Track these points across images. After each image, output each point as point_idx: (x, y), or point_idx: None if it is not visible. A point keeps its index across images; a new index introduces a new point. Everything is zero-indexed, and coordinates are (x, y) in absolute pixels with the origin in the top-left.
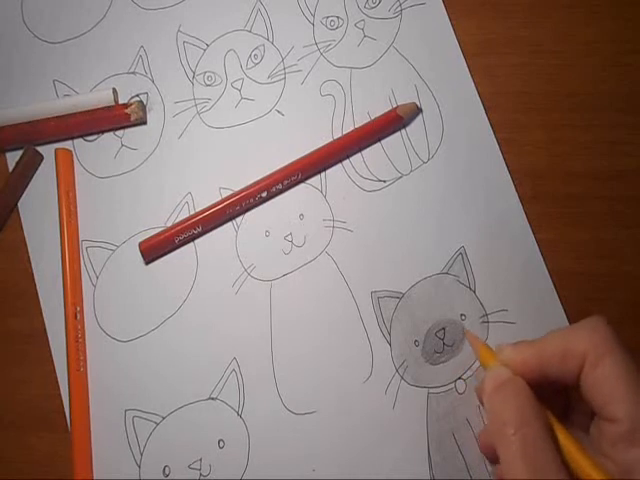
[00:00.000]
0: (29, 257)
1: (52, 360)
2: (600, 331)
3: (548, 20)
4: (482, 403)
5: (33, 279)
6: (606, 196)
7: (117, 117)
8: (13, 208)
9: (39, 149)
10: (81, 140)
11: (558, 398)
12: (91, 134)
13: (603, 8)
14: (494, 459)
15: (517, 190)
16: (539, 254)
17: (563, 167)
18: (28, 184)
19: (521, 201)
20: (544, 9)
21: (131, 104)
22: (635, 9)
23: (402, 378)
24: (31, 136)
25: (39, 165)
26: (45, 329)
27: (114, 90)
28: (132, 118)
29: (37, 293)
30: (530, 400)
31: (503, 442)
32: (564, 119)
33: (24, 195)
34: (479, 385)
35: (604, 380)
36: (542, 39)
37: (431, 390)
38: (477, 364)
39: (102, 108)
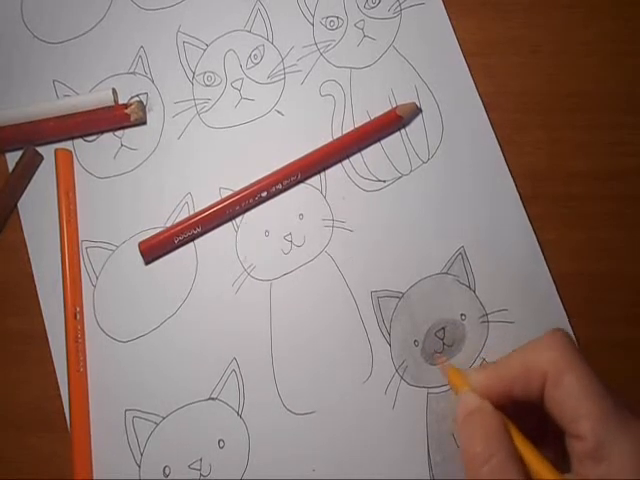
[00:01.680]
0: (29, 257)
1: (52, 360)
2: (560, 347)
3: (548, 20)
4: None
5: (33, 279)
6: (606, 196)
7: (117, 117)
8: (13, 208)
9: (39, 149)
10: (81, 140)
11: (532, 416)
12: (91, 134)
13: (603, 8)
14: None
15: (517, 190)
16: (539, 254)
17: (563, 167)
18: (28, 184)
19: (521, 201)
20: (544, 9)
21: (131, 104)
22: (635, 9)
23: (402, 378)
24: (31, 136)
25: (39, 165)
26: (45, 329)
27: (114, 90)
28: (132, 118)
29: (37, 293)
30: (496, 428)
31: (472, 474)
32: (564, 119)
33: (24, 195)
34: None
35: (566, 397)
36: (542, 39)
37: (431, 390)
38: (477, 364)
39: (102, 108)
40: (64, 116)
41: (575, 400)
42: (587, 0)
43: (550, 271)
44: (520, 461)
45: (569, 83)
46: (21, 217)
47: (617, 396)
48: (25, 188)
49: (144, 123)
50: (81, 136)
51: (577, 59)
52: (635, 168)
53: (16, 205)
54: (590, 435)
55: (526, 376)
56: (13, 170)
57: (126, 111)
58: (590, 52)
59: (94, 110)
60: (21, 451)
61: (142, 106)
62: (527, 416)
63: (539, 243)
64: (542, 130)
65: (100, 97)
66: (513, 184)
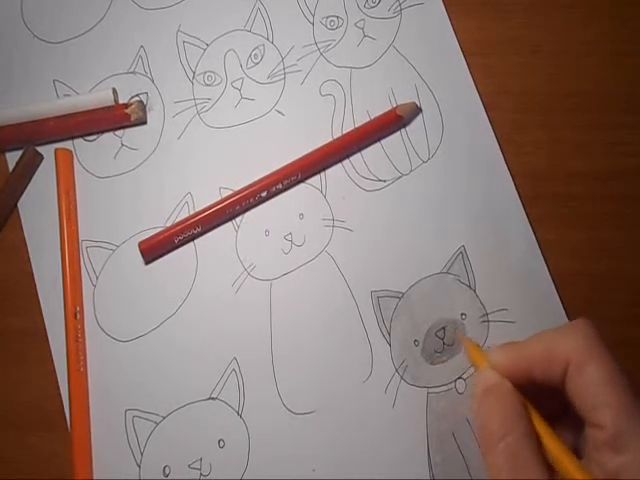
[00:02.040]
0: (29, 257)
1: (52, 360)
2: (585, 335)
3: (548, 20)
4: None
5: (33, 278)
6: (606, 196)
7: (117, 117)
8: (13, 208)
9: (39, 149)
10: (81, 140)
11: (553, 399)
12: (91, 134)
13: (603, 8)
14: None
15: (517, 190)
16: (539, 253)
17: (563, 167)
18: (28, 184)
19: (521, 201)
20: (544, 9)
21: (131, 104)
22: (635, 9)
23: (402, 378)
24: (31, 136)
25: (39, 165)
26: (45, 328)
27: (114, 90)
28: (132, 118)
29: (37, 292)
30: (513, 406)
31: (488, 450)
32: (564, 119)
33: (24, 195)
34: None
35: (588, 386)
36: (542, 39)
37: (431, 390)
38: None
39: (102, 108)
40: (64, 116)
41: (596, 388)
42: (587, 0)
43: (550, 271)
44: (537, 441)
45: (569, 83)
46: (21, 217)
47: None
48: (25, 188)
49: (144, 123)
50: (81, 136)
51: (577, 59)
52: (635, 168)
53: (16, 205)
54: (610, 424)
55: (548, 360)
56: (13, 170)
57: (126, 111)
58: (590, 52)
59: (94, 110)
60: (21, 451)
61: (142, 106)
62: (547, 399)
63: (539, 243)
64: (542, 130)
65: (100, 97)
66: (513, 184)
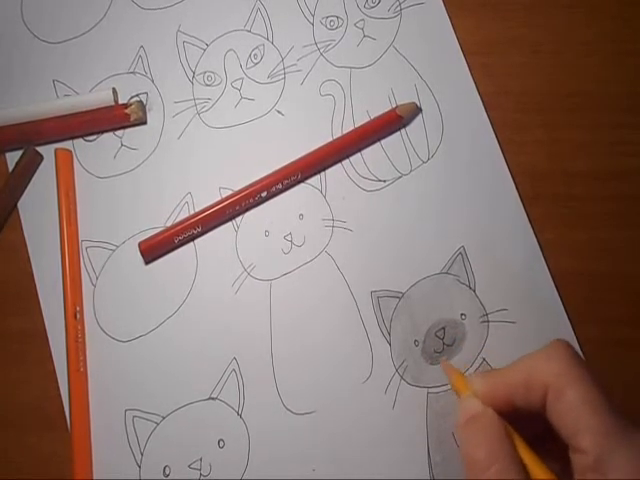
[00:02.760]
0: (29, 257)
1: (52, 360)
2: (561, 360)
3: (548, 20)
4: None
5: (33, 279)
6: (607, 196)
7: (117, 117)
8: (13, 208)
9: (39, 149)
10: (81, 140)
11: (536, 424)
12: (91, 134)
13: (603, 8)
14: None
15: (517, 190)
16: (540, 254)
17: (563, 167)
18: (28, 184)
19: (521, 201)
20: (544, 8)
21: (131, 104)
22: (635, 9)
23: (402, 378)
24: (31, 136)
25: (39, 165)
26: (45, 329)
27: (114, 90)
28: (132, 118)
29: (37, 293)
30: (497, 434)
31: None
32: (564, 119)
33: (24, 195)
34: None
35: (568, 411)
36: (542, 39)
37: (431, 390)
38: (477, 363)
39: (102, 108)
40: (64, 116)
41: (576, 414)
42: (587, 0)
43: (550, 271)
44: (522, 469)
45: (569, 83)
46: (21, 217)
47: (618, 408)
48: (25, 188)
49: (144, 123)
50: (81, 136)
51: (577, 59)
52: (636, 168)
53: (16, 205)
54: (591, 449)
55: (528, 386)
56: (13, 170)
57: (126, 111)
58: (590, 52)
59: (94, 110)
60: (21, 451)
61: (142, 106)
62: (530, 424)
63: (539, 243)
64: (542, 130)
65: (100, 97)
66: (513, 184)
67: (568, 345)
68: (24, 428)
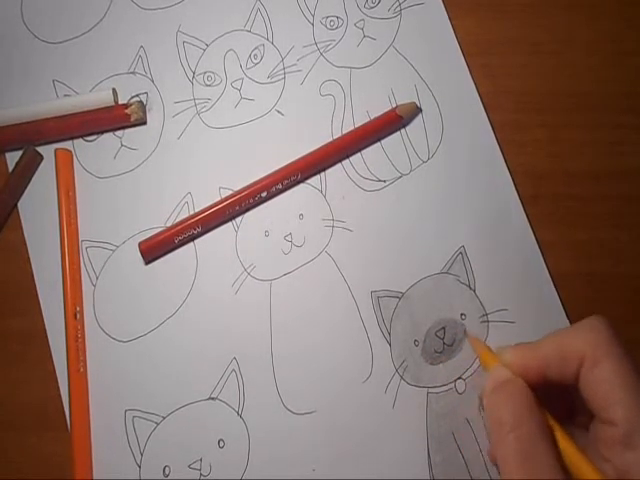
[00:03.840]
0: (29, 257)
1: (52, 360)
2: (599, 332)
3: (548, 20)
4: (483, 406)
5: (33, 279)
6: (607, 196)
7: (117, 117)
8: (13, 208)
9: (39, 149)
10: (81, 140)
11: (562, 399)
12: (91, 134)
13: (603, 8)
14: None
15: (517, 190)
16: (539, 254)
17: (563, 167)
18: (28, 184)
19: (521, 201)
20: (544, 9)
21: (131, 104)
22: (635, 9)
23: (402, 378)
24: (31, 136)
25: (39, 165)
26: (45, 329)
27: (114, 90)
28: (132, 118)
29: (37, 293)
30: (527, 400)
31: (499, 442)
32: (564, 119)
33: (24, 195)
34: (482, 388)
35: (601, 383)
36: (542, 39)
37: (431, 390)
38: (477, 364)
39: (102, 108)
40: (64, 116)
41: (610, 386)
42: (587, 0)
43: (550, 271)
44: (550, 438)
45: (569, 83)
46: (21, 217)
47: None
48: (25, 188)
49: (144, 123)
50: (81, 136)
51: (577, 59)
52: (636, 168)
53: (16, 205)
54: (622, 421)
55: (562, 357)
56: (13, 170)
57: (126, 111)
58: (591, 52)
59: (94, 110)
60: (21, 451)
61: (142, 106)
62: (554, 403)
63: (539, 243)
64: (542, 130)
65: (100, 97)
66: (513, 184)
67: (605, 320)
68: (24, 428)
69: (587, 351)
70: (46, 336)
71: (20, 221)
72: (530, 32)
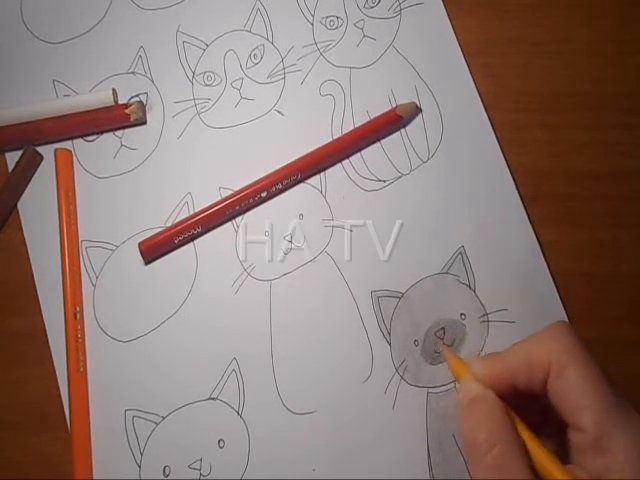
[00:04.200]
0: (29, 258)
1: (52, 360)
2: (563, 339)
3: (548, 20)
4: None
5: (33, 280)
6: (607, 196)
7: (117, 117)
8: (13, 208)
9: (39, 149)
10: (81, 140)
11: (534, 407)
12: (91, 134)
13: (603, 8)
14: None
15: (517, 190)
16: (540, 254)
17: (563, 167)
18: (28, 184)
19: (521, 201)
20: (544, 9)
21: (131, 104)
22: (635, 9)
23: (402, 378)
24: (31, 136)
25: (39, 165)
26: (45, 329)
27: (114, 90)
28: (132, 118)
29: (37, 294)
30: (499, 416)
31: (474, 462)
32: (564, 119)
33: (24, 195)
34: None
35: (568, 389)
36: (542, 39)
37: (431, 390)
38: None
39: (102, 108)
40: (64, 116)
41: (577, 392)
42: (587, 0)
43: (550, 271)
44: (524, 451)
45: (569, 83)
46: (21, 217)
47: (619, 391)
48: (25, 188)
49: (144, 123)
50: (81, 136)
51: (577, 59)
52: (636, 168)
53: (16, 205)
54: (591, 427)
55: (529, 366)
56: (13, 170)
57: (126, 111)
58: (590, 52)
59: (94, 110)
60: (21, 451)
61: (142, 106)
62: (527, 410)
63: (539, 243)
64: (542, 130)
65: (100, 97)
66: (513, 184)
67: (569, 326)
68: (24, 428)
69: (552, 359)
70: (46, 336)
71: (20, 221)
72: (530, 32)
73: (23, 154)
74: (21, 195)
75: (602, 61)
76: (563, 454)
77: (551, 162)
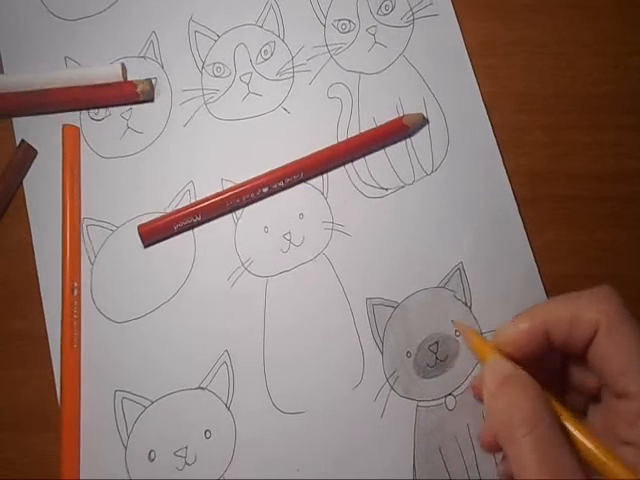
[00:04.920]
0: (30, 258)
1: (52, 361)
2: (612, 301)
3: (551, 21)
4: (480, 399)
5: (34, 280)
6: (608, 197)
7: (125, 90)
8: (8, 204)
9: (47, 118)
10: (88, 118)
11: (553, 379)
12: (98, 107)
13: (605, 10)
14: (498, 451)
15: (517, 192)
16: (538, 280)
17: (564, 168)
18: (23, 179)
19: (520, 204)
20: (547, 10)
21: (139, 80)
22: (637, 10)
23: (392, 388)
24: (39, 103)
25: (33, 160)
26: (46, 330)
27: (123, 65)
28: (138, 89)
29: (37, 293)
30: (538, 397)
31: (513, 443)
32: (566, 120)
33: (29, 172)
34: (477, 381)
35: (617, 350)
36: (545, 40)
37: (420, 403)
38: (469, 381)
39: (110, 83)
40: (72, 87)
41: (626, 354)
42: (589, 2)
43: (550, 272)
44: (566, 434)
45: (571, 84)
46: (25, 193)
47: None
48: (20, 183)
49: (152, 100)
50: (88, 108)
51: (579, 60)
52: (636, 169)
53: (11, 201)
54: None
55: (573, 321)
56: (8, 165)
57: (134, 82)
58: (592, 53)
59: (103, 84)
60: (21, 451)
61: (151, 83)
62: (544, 374)
63: (539, 246)
64: (543, 131)
65: (109, 71)
66: (516, 206)
67: (616, 291)
68: (24, 429)
69: (601, 318)
70: (46, 337)
71: (21, 222)
72: (533, 33)
73: (18, 149)
74: (16, 190)
75: (604, 62)
76: (602, 435)
77: (552, 163)
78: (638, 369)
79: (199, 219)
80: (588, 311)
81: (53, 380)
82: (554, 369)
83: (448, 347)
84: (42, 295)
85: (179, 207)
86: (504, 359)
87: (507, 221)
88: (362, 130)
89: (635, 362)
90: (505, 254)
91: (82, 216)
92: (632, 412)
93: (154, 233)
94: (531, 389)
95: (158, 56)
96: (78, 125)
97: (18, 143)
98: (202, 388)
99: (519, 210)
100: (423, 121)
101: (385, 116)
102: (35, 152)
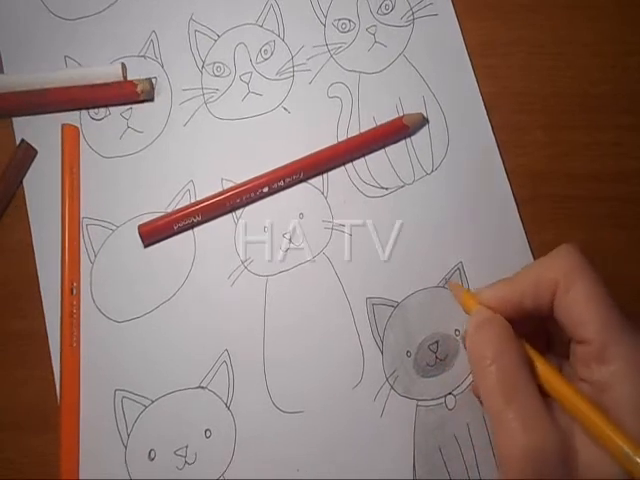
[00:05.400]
0: (30, 258)
1: (52, 361)
2: (570, 258)
3: (549, 21)
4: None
5: (34, 280)
6: (607, 197)
7: (125, 90)
8: (8, 204)
9: (46, 118)
10: (88, 118)
11: (539, 333)
12: (98, 106)
13: (604, 9)
14: None
15: (516, 192)
16: None
17: (564, 168)
18: (22, 179)
19: (520, 204)
20: (546, 9)
21: (139, 80)
22: (636, 10)
23: (392, 387)
24: (36, 104)
25: (33, 159)
26: (46, 330)
27: (123, 65)
28: (138, 89)
29: (37, 294)
30: (506, 333)
31: (481, 375)
32: (565, 120)
33: (29, 172)
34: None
35: (575, 304)
36: (543, 40)
37: (420, 403)
38: (469, 380)
39: (110, 82)
40: (71, 87)
41: (582, 306)
42: (588, 2)
43: None
44: (530, 366)
45: (570, 84)
46: (25, 193)
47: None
48: (20, 183)
49: (152, 100)
50: (87, 107)
51: (578, 60)
52: (636, 169)
53: (11, 201)
54: (595, 337)
55: (537, 286)
56: (7, 165)
57: (134, 81)
58: (591, 53)
59: (103, 83)
60: (21, 451)
61: (151, 82)
62: (534, 335)
63: (538, 245)
64: (542, 131)
65: (109, 70)
66: (516, 207)
67: (575, 246)
68: (25, 429)
69: (560, 277)
70: (46, 337)
71: (22, 223)
72: (531, 33)
73: (18, 148)
74: (16, 190)
75: (603, 62)
76: (565, 375)
77: (551, 163)
78: (592, 318)
79: (199, 219)
80: (549, 273)
81: (53, 380)
82: (539, 328)
83: (448, 346)
84: (42, 295)
85: (179, 207)
86: (485, 308)
87: (507, 221)
88: (362, 130)
89: (589, 313)
90: (505, 254)
91: (82, 216)
92: (587, 355)
93: (154, 233)
94: (500, 327)
95: (158, 55)
96: (78, 125)
97: (18, 143)
98: (202, 387)
99: (519, 210)
100: (423, 121)
101: (385, 116)
102: (35, 152)
